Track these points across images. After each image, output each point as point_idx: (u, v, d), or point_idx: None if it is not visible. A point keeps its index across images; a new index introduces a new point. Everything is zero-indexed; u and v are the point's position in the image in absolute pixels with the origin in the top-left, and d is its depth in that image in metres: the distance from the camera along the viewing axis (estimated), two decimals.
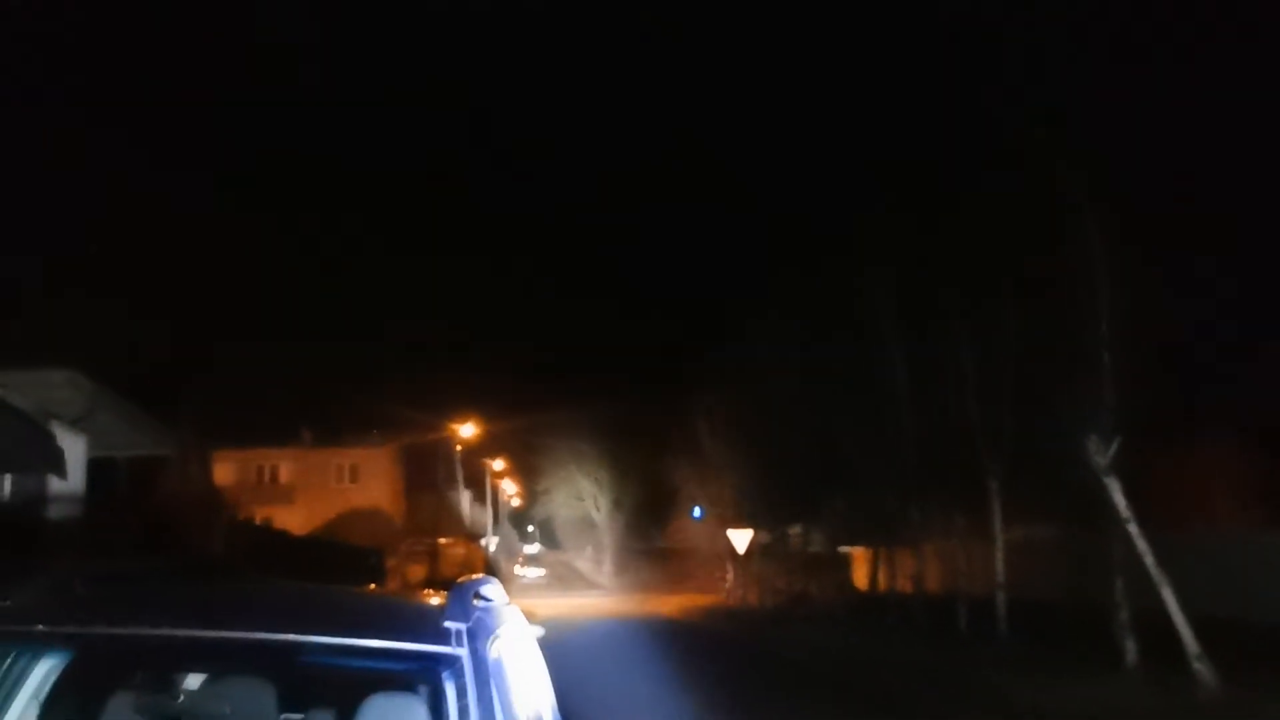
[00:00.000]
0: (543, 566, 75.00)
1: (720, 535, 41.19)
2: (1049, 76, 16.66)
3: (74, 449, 10.66)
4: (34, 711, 3.23)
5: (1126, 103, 15.98)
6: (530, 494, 77.93)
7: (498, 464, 64.75)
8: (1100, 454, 15.00)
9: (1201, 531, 20.29)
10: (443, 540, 48.05)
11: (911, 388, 24.28)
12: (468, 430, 48.88)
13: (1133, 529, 14.81)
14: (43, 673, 3.26)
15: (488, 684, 2.92)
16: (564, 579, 67.52)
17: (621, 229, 79.17)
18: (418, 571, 41.83)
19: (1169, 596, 14.29)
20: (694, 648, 26.05)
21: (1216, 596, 16.23)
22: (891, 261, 23.12)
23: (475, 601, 3.54)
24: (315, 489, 50.64)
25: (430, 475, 54.12)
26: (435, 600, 3.60)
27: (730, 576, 44.12)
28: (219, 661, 3.29)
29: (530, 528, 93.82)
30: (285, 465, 52.27)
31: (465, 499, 62.57)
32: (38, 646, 3.22)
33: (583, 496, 67.40)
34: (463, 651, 2.90)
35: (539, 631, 15.68)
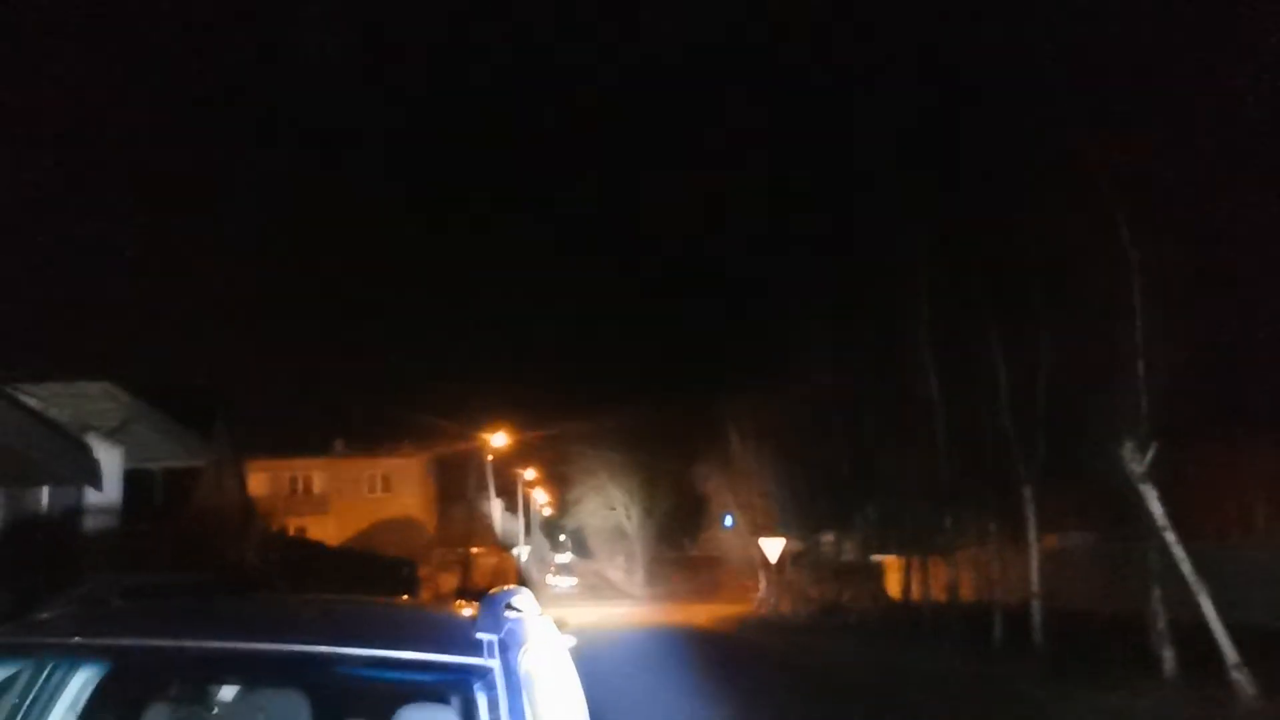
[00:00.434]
0: (574, 576, 75.02)
1: (752, 544, 41.10)
2: (1088, 88, 16.52)
3: (110, 460, 10.78)
4: None
5: (1161, 100, 15.77)
6: (562, 503, 78.04)
7: (529, 473, 64.89)
8: (1136, 462, 14.84)
9: (1240, 538, 20.07)
10: (475, 550, 48.18)
11: (945, 395, 24.15)
12: (499, 440, 49.04)
13: (1169, 537, 14.64)
14: (79, 684, 3.30)
15: (519, 695, 2.93)
16: (595, 588, 67.51)
17: (651, 237, 79.22)
18: (450, 581, 41.96)
19: (1207, 605, 14.11)
20: (725, 659, 25.97)
21: (1256, 605, 16.02)
22: (927, 265, 23.02)
23: (507, 613, 3.55)
24: (348, 499, 50.94)
25: (462, 485, 54.24)
26: (467, 611, 3.61)
27: (762, 586, 43.98)
28: (253, 673, 3.32)
29: (562, 537, 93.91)
30: (318, 475, 52.61)
31: (497, 508, 62.69)
32: (74, 658, 3.26)
33: (614, 505, 67.40)
34: (495, 663, 2.91)
35: (571, 642, 15.67)
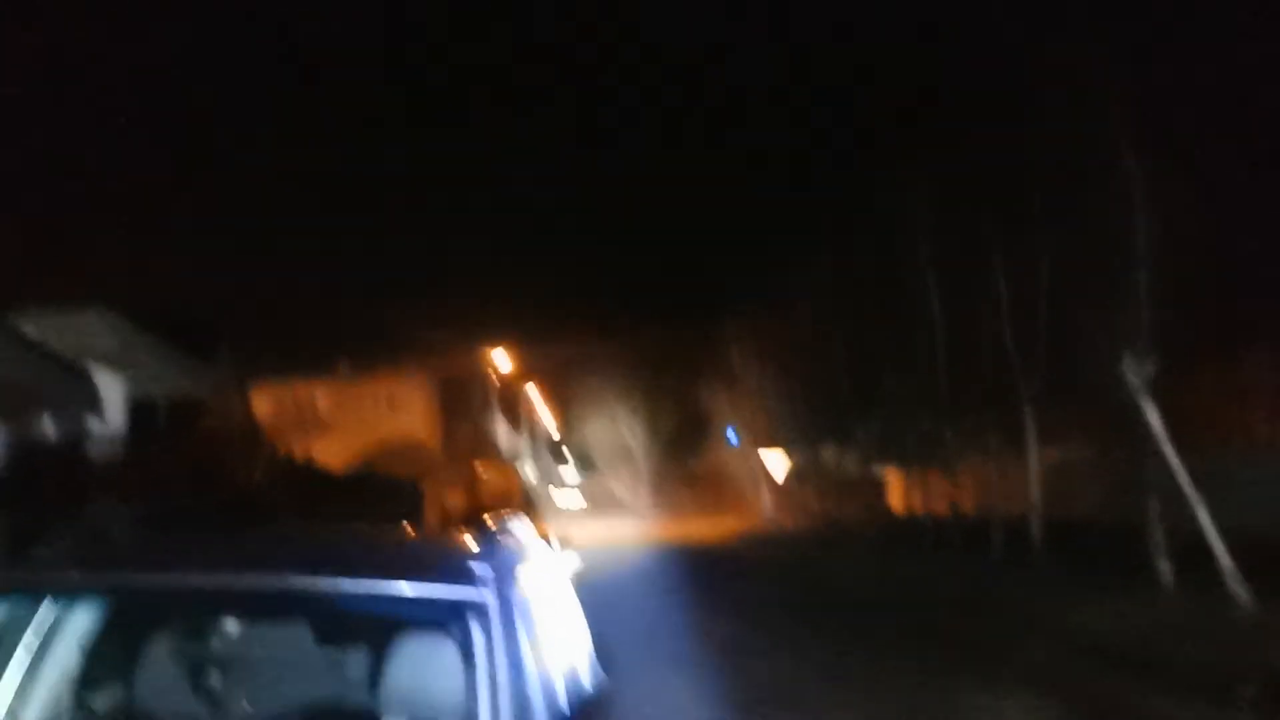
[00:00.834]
0: (580, 492, 75.70)
1: (754, 459, 41.43)
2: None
3: (112, 389, 10.81)
4: (74, 657, 3.32)
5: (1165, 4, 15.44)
6: (567, 421, 78.53)
7: (534, 392, 65.16)
8: (1137, 375, 14.85)
9: (1241, 449, 20.12)
10: (480, 468, 48.54)
11: (945, 308, 24.10)
12: (503, 359, 49.15)
13: (1168, 450, 14.71)
14: (81, 620, 3.34)
15: (514, 627, 2.96)
16: (601, 504, 68.15)
17: (653, 154, 78.33)
18: (455, 500, 42.28)
19: (1204, 517, 14.24)
20: (727, 573, 26.37)
21: (1257, 515, 16.10)
22: (927, 179, 22.80)
23: (505, 541, 3.59)
24: (353, 419, 51.13)
25: (467, 404, 54.46)
26: (465, 542, 3.64)
27: (765, 500, 44.42)
28: (251, 608, 3.37)
29: (567, 454, 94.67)
30: (323, 396, 52.75)
31: (502, 427, 63.09)
32: (77, 593, 3.29)
33: (618, 423, 67.77)
34: (489, 595, 2.92)
35: (576, 561, 15.94)
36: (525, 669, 2.93)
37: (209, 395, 17.07)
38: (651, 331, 56.02)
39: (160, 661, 3.42)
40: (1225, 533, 14.22)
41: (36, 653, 3.23)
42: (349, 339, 50.76)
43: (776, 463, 37.15)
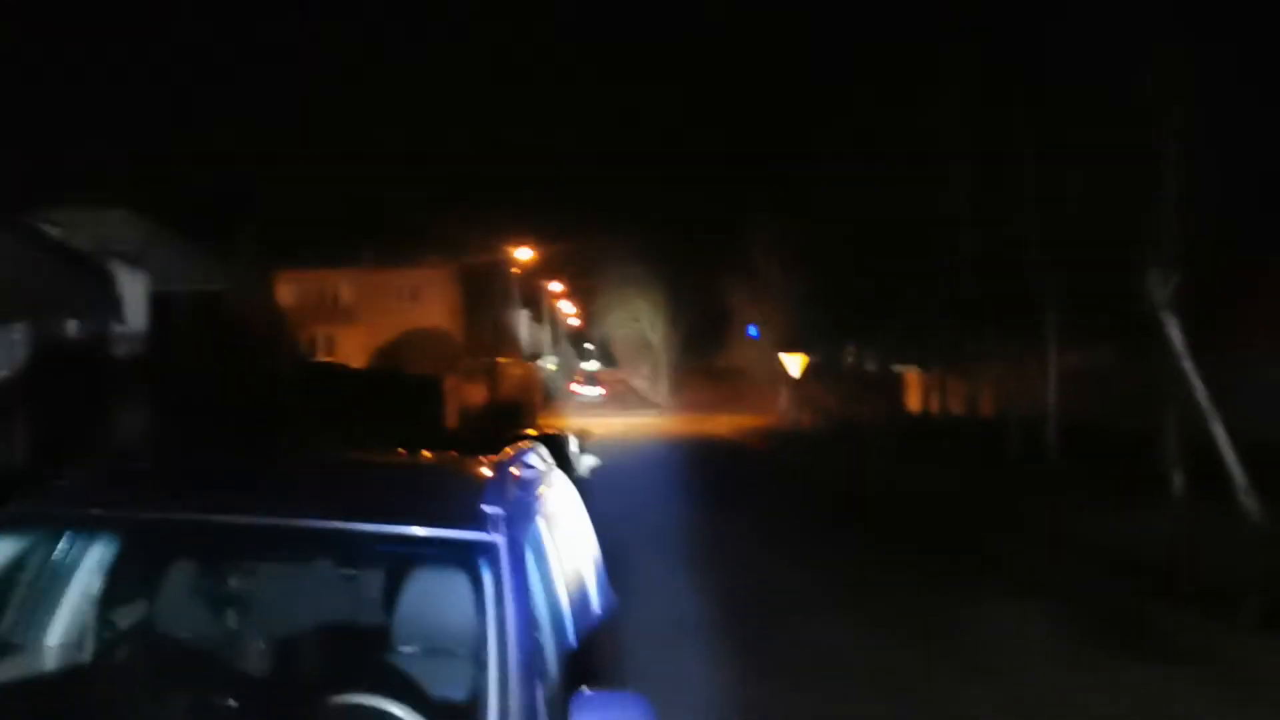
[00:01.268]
0: (600, 385, 76.18)
1: (774, 357, 41.50)
2: None
3: (134, 286, 10.87)
4: (92, 591, 3.42)
5: None
6: (588, 314, 78.62)
7: (555, 285, 65.11)
8: (1161, 288, 14.71)
9: (1261, 358, 19.93)
10: (501, 360, 48.83)
11: (971, 212, 23.80)
12: (525, 253, 48.98)
13: (1187, 365, 14.64)
14: (97, 555, 3.43)
15: (524, 568, 3.01)
16: (620, 397, 68.70)
17: (678, 47, 76.72)
18: (476, 393, 42.68)
19: (1219, 431, 14.23)
20: (742, 471, 26.68)
21: (1275, 429, 16.03)
22: (955, 82, 22.31)
23: (520, 475, 3.64)
24: (376, 309, 51.31)
25: (489, 296, 54.48)
26: (481, 473, 3.68)
27: (783, 398, 44.62)
28: (268, 546, 3.45)
29: (588, 346, 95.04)
30: (346, 286, 52.87)
31: (523, 319, 63.24)
32: (94, 528, 3.38)
33: (639, 317, 67.82)
34: (499, 538, 2.96)
35: (594, 462, 16.04)
36: (533, 609, 3.01)
37: (232, 288, 17.11)
38: (675, 228, 55.64)
39: (177, 592, 3.52)
40: (1242, 445, 14.22)
41: (57, 578, 3.34)
42: (374, 230, 50.60)
43: (794, 363, 37.25)
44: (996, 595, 10.83)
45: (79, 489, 3.30)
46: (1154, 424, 16.37)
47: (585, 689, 2.83)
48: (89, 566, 3.39)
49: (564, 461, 11.41)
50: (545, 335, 63.72)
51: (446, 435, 24.75)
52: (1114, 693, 7.54)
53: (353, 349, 46.49)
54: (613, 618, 4.51)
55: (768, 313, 44.23)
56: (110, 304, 9.93)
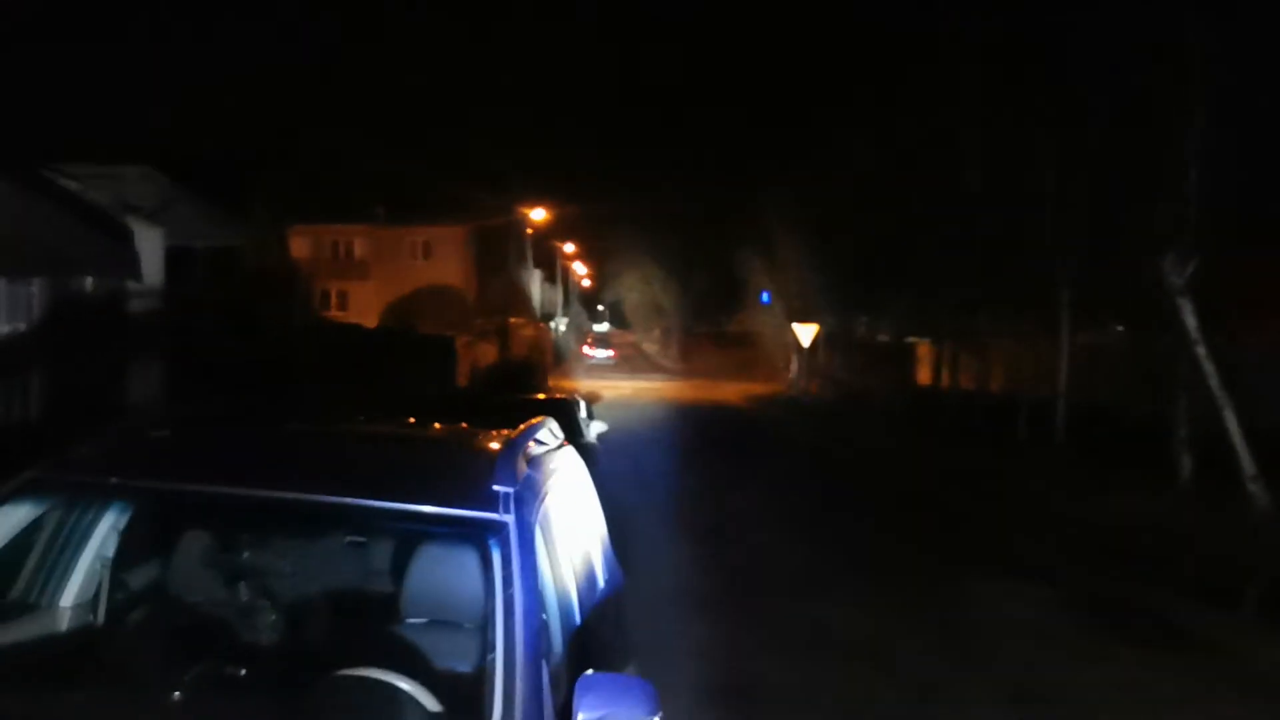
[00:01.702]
0: (611, 347, 76.20)
1: (786, 326, 41.46)
2: None
3: (152, 242, 10.90)
4: (106, 557, 3.49)
5: None
6: (600, 276, 78.54)
7: (569, 246, 64.95)
8: (1176, 273, 14.63)
9: (1275, 346, 19.83)
10: (513, 320, 48.85)
11: (988, 187, 23.63)
12: (539, 214, 48.87)
13: (1200, 350, 14.58)
14: (110, 523, 3.50)
15: (532, 547, 3.05)
16: (631, 360, 68.73)
17: (699, 15, 75.94)
18: (488, 352, 42.75)
19: (1230, 418, 14.18)
20: (748, 442, 26.68)
21: None
22: (975, 60, 22.10)
23: (530, 450, 3.67)
24: (389, 265, 51.26)
25: (502, 256, 54.38)
26: (489, 451, 3.72)
27: (794, 367, 44.61)
28: (280, 520, 3.51)
29: (600, 308, 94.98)
30: (359, 241, 52.79)
31: (536, 280, 63.18)
32: (111, 497, 3.43)
33: (651, 281, 67.72)
34: (509, 518, 2.99)
35: (603, 428, 15.93)
36: (541, 588, 3.06)
37: (247, 243, 17.12)
38: (690, 193, 55.37)
39: (190, 561, 3.58)
40: (1252, 433, 14.17)
41: (73, 543, 3.41)
42: (388, 185, 50.46)
43: (806, 333, 37.22)
44: (994, 578, 10.84)
45: (97, 457, 3.35)
46: (1164, 408, 16.34)
47: (590, 671, 2.88)
48: (104, 534, 3.47)
49: (572, 428, 11.45)
50: (558, 296, 63.68)
51: (458, 396, 24.83)
52: (1106, 677, 7.59)
53: (364, 304, 46.51)
54: (618, 593, 4.56)
55: (781, 281, 44.13)
56: (128, 260, 9.97)
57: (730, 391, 44.53)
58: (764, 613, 9.16)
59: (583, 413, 13.97)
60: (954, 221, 24.85)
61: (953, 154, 24.39)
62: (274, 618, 3.45)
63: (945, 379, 30.00)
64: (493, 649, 2.73)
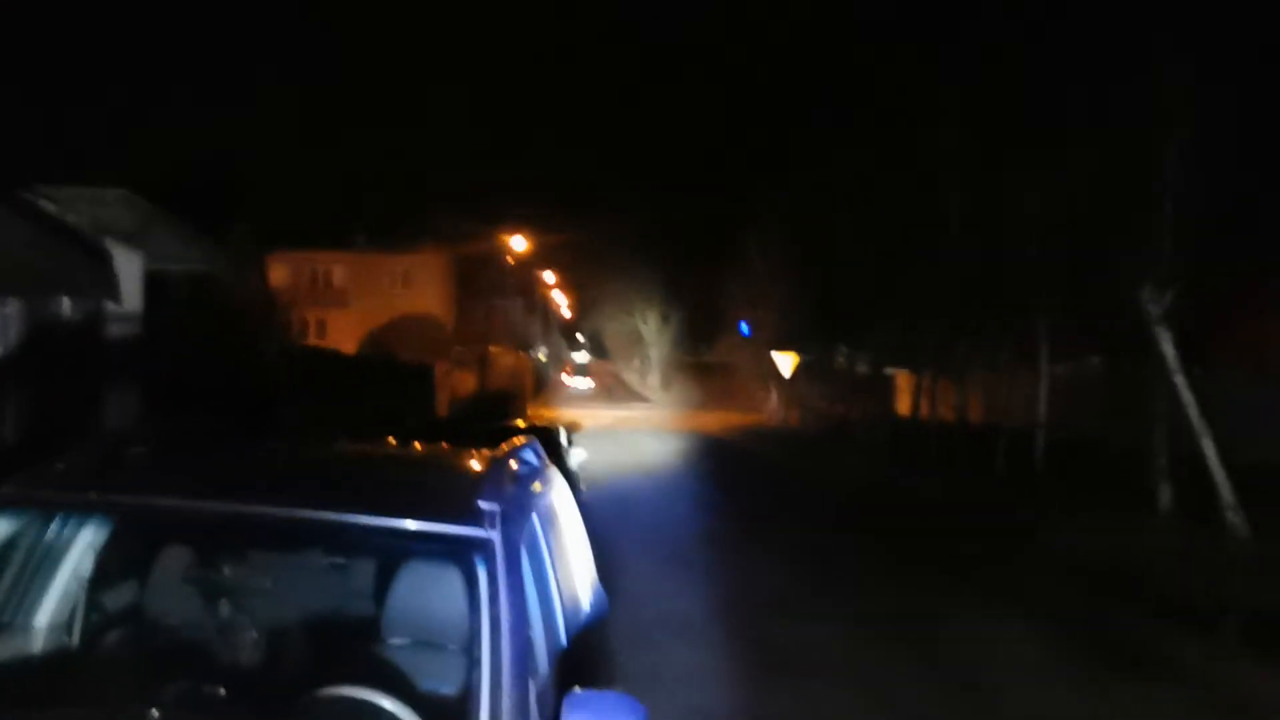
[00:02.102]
0: (591, 377, 76.23)
1: (765, 354, 41.56)
2: None
3: (130, 266, 10.81)
4: (83, 574, 3.41)
5: None
6: (580, 305, 78.62)
7: (549, 276, 65.01)
8: (1154, 303, 14.74)
9: (1252, 376, 20.00)
10: (493, 349, 48.77)
11: (967, 220, 23.82)
12: (520, 243, 48.95)
13: (1179, 380, 14.67)
14: (92, 537, 3.43)
15: (519, 565, 3.01)
16: (611, 390, 68.70)
17: (680, 46, 76.61)
18: (467, 380, 42.63)
19: (1209, 448, 14.25)
20: (729, 471, 26.66)
21: (1265, 447, 16.08)
22: (953, 85, 22.35)
23: (515, 468, 3.63)
24: (368, 293, 51.19)
25: (481, 284, 54.42)
26: (474, 469, 3.68)
27: (773, 397, 44.69)
28: (261, 536, 3.45)
29: (580, 338, 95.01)
30: (339, 268, 52.74)
31: (516, 308, 63.17)
32: (87, 512, 3.37)
33: (631, 310, 67.84)
34: (495, 534, 2.95)
35: (584, 456, 15.87)
36: (527, 606, 3.02)
37: (227, 269, 17.02)
38: (671, 223, 55.64)
39: (168, 578, 3.52)
40: (1231, 463, 14.24)
41: (48, 560, 3.33)
42: (367, 213, 50.49)
43: (785, 362, 37.31)
44: (973, 607, 10.84)
45: (73, 472, 3.29)
46: (1144, 439, 16.41)
47: (577, 689, 2.84)
48: (81, 550, 3.39)
49: (555, 454, 11.41)
50: (537, 325, 63.62)
51: (437, 424, 24.73)
52: (1090, 708, 7.58)
53: (344, 332, 46.39)
54: (603, 617, 4.52)
55: (761, 310, 44.28)
56: (106, 283, 9.88)
57: (710, 421, 44.53)
58: (744, 637, 9.10)
59: (564, 440, 13.93)
60: (934, 253, 25.03)
61: (933, 191, 24.60)
62: (255, 636, 3.39)
63: (925, 409, 30.09)
64: (478, 666, 2.69)
